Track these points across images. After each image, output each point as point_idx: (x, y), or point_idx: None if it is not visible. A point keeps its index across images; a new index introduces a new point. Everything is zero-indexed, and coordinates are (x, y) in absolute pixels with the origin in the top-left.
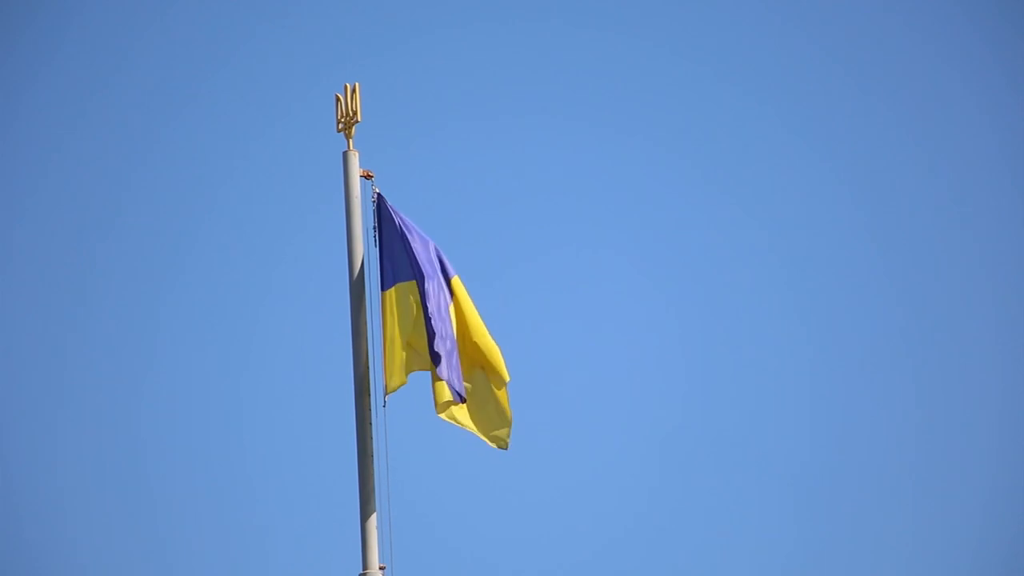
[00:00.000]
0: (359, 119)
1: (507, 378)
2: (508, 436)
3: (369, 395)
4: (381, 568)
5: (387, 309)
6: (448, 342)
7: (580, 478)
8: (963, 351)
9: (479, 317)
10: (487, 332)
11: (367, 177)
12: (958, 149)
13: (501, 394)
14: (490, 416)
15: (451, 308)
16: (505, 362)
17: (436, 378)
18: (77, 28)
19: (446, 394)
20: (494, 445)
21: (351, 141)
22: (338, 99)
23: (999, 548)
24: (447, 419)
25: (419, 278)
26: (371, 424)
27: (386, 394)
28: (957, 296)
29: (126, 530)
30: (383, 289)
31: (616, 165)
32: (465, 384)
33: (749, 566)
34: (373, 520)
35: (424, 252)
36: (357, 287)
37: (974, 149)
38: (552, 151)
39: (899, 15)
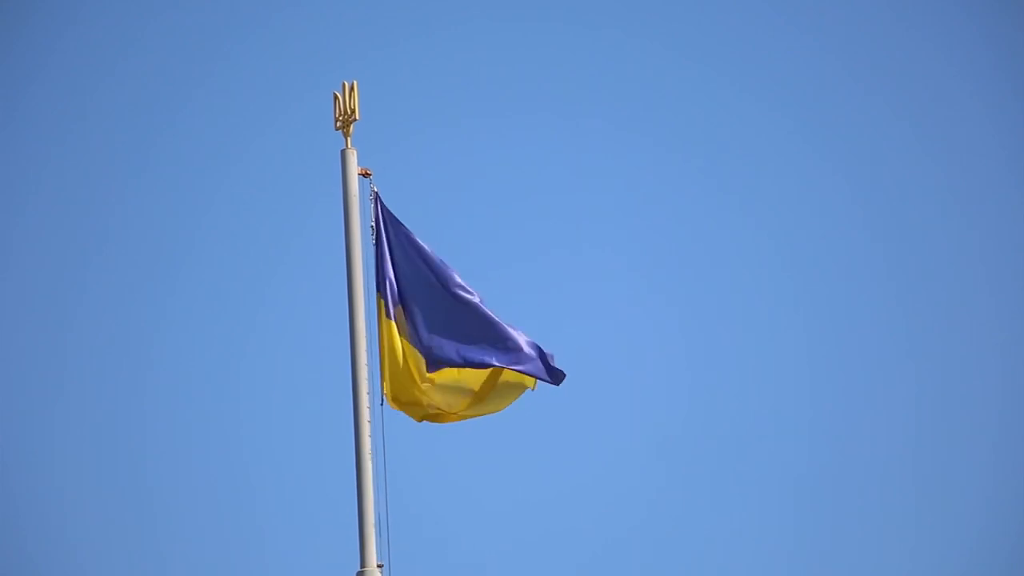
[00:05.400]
0: (357, 117)
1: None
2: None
3: (367, 393)
4: (379, 567)
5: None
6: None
7: (579, 478)
8: (963, 351)
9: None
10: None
11: (365, 175)
12: (960, 149)
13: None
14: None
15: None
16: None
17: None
18: (76, 26)
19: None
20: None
21: (349, 139)
22: (336, 97)
23: (999, 548)
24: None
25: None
26: (369, 422)
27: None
28: (957, 296)
29: (124, 529)
30: (378, 289)
31: (616, 164)
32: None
33: (749, 566)
34: (371, 518)
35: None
36: (355, 286)
37: (976, 149)
38: (552, 149)
39: (901, 15)
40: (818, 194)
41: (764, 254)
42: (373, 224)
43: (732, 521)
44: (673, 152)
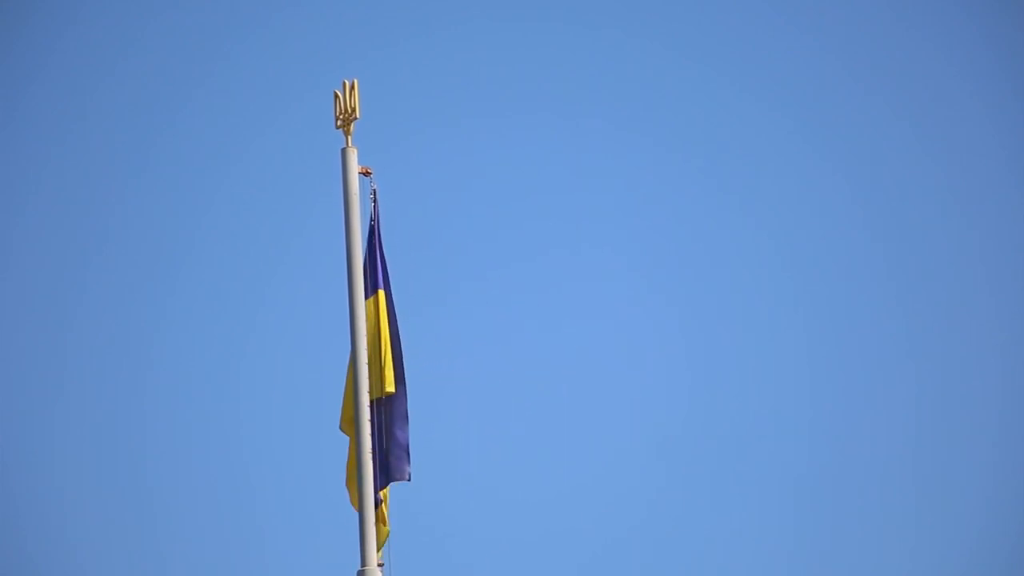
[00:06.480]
0: (358, 116)
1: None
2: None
3: (367, 393)
4: (379, 565)
5: (375, 311)
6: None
7: (579, 477)
8: (963, 351)
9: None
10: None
11: (365, 174)
12: (960, 149)
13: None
14: None
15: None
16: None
17: None
18: (76, 26)
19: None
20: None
21: (350, 138)
22: (337, 96)
23: (999, 548)
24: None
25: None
26: (369, 422)
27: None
28: (957, 296)
29: (124, 529)
30: (381, 287)
31: (616, 164)
32: None
33: (749, 566)
34: (371, 517)
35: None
36: (355, 285)
37: (976, 149)
38: (551, 149)
39: (901, 15)
40: (818, 194)
41: (764, 254)
42: (373, 222)
43: (732, 521)
44: (673, 152)
